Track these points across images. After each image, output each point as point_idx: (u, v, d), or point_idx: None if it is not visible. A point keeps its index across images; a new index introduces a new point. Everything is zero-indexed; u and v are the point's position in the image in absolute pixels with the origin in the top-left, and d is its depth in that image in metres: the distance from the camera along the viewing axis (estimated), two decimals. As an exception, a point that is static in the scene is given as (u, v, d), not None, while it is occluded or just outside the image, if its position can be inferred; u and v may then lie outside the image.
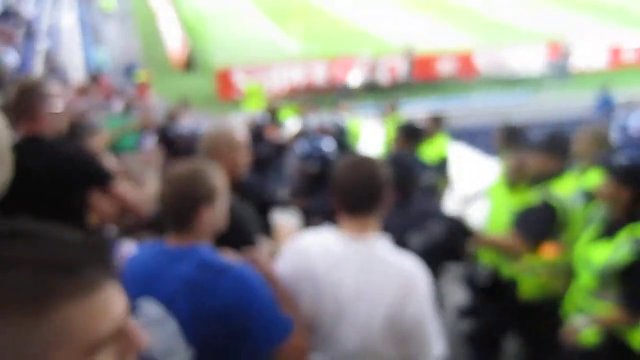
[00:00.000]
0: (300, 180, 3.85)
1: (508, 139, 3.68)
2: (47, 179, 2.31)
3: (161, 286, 1.61)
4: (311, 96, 14.31)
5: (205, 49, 18.80)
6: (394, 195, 2.13)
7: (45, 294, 0.62)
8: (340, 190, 1.75)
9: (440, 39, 19.42)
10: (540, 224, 2.68)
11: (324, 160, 4.01)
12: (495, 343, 3.22)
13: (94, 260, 0.67)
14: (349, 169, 1.75)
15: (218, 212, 1.72)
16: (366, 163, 1.76)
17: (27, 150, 2.35)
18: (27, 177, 2.31)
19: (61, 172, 2.33)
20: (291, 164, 4.61)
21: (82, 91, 8.94)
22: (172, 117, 6.58)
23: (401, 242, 2.43)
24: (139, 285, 1.65)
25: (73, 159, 2.38)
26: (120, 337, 0.68)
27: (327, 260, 1.71)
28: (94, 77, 13.17)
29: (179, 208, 1.66)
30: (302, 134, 6.15)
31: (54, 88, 2.41)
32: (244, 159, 2.30)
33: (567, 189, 2.80)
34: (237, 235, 1.99)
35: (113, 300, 0.67)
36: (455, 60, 16.73)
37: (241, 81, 15.10)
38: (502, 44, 18.06)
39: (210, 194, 1.68)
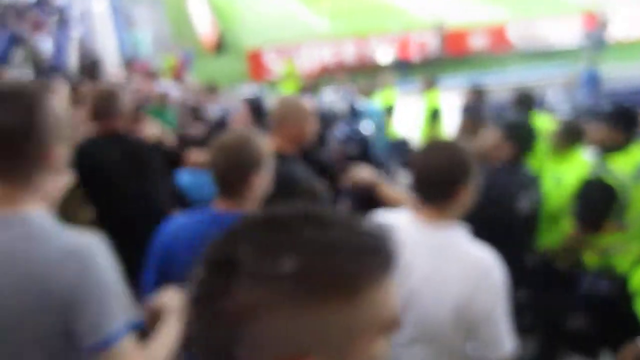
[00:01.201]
0: (340, 163, 3.90)
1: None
2: (129, 168, 2.52)
3: None
4: (342, 74, 14.27)
5: (235, 30, 18.84)
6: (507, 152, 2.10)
7: (359, 276, 0.64)
8: (415, 175, 1.70)
9: (471, 13, 19.04)
10: (597, 207, 2.64)
11: (363, 143, 4.04)
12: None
13: (386, 243, 0.69)
14: (428, 154, 1.70)
15: (265, 178, 1.78)
16: (447, 149, 1.69)
17: (106, 144, 2.56)
18: (110, 168, 2.53)
19: (140, 161, 2.55)
20: (330, 146, 4.69)
21: (151, 75, 9.18)
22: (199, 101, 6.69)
23: (511, 200, 2.47)
24: (192, 251, 1.69)
25: (148, 148, 2.59)
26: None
27: (399, 244, 1.66)
28: (129, 62, 13.38)
29: (229, 175, 1.73)
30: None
31: (124, 91, 2.66)
32: (311, 128, 2.42)
33: (629, 163, 2.73)
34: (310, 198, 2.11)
35: (394, 281, 0.69)
36: (487, 34, 16.42)
37: (272, 61, 15.13)
38: (535, 15, 17.63)
39: (258, 160, 1.74)
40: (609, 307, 2.68)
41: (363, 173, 2.47)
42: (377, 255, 0.67)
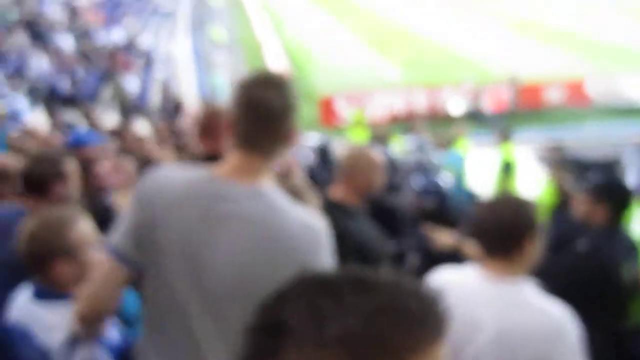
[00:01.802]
0: (415, 215, 3.85)
1: None
2: None
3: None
4: (419, 122, 14.28)
5: (308, 77, 19.37)
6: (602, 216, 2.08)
7: (403, 345, 0.63)
8: (479, 227, 1.71)
9: (547, 66, 18.73)
10: None
11: (440, 195, 3.98)
12: None
13: (436, 310, 0.67)
14: (493, 207, 1.70)
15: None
16: (512, 202, 1.69)
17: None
18: None
19: None
20: (405, 197, 4.65)
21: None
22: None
23: (614, 270, 2.37)
24: None
25: None
26: None
27: (466, 300, 1.62)
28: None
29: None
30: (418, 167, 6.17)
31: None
32: (379, 180, 2.44)
33: None
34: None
35: (444, 347, 0.68)
36: (564, 88, 16.05)
37: (343, 108, 15.37)
38: (616, 69, 17.12)
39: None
40: None
41: (444, 238, 2.45)
42: (424, 322, 0.66)
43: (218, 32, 25.51)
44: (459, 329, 1.59)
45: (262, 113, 1.44)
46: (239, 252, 1.37)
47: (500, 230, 1.64)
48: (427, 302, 0.68)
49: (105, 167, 3.31)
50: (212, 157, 2.65)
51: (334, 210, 2.30)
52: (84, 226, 1.81)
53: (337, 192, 2.42)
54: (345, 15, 30.20)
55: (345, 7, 32.97)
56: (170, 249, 1.40)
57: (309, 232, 1.41)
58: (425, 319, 0.66)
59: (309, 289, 0.68)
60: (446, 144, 7.27)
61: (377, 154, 2.47)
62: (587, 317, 2.37)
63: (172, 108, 9.02)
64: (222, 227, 1.39)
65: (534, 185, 6.21)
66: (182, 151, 4.65)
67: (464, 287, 1.66)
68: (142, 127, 9.39)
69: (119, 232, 1.46)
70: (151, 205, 1.43)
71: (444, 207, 3.68)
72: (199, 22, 28.39)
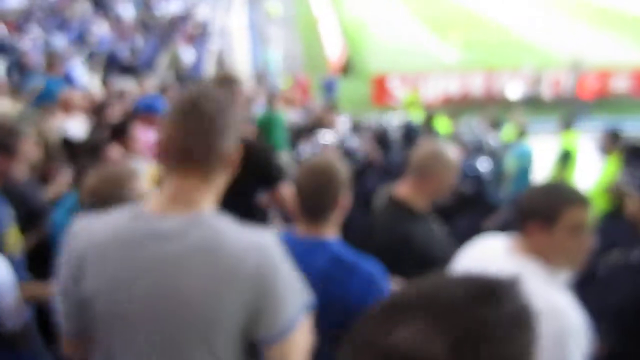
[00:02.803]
0: (451, 198, 3.72)
1: None
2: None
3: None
4: (467, 107, 13.93)
5: (363, 55, 19.13)
6: None
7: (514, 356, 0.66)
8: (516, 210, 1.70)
9: (613, 53, 17.85)
10: None
11: (479, 180, 3.83)
12: None
13: (530, 314, 0.70)
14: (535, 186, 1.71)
15: (346, 204, 1.78)
16: (539, 188, 1.70)
17: None
18: None
19: (245, 164, 2.56)
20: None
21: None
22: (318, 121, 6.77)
23: None
24: None
25: (260, 155, 2.60)
26: None
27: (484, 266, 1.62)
28: (259, 77, 14.02)
29: (317, 201, 1.73)
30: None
31: (247, 87, 2.70)
32: (452, 183, 2.22)
33: None
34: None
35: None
36: (630, 77, 15.28)
37: (396, 88, 15.12)
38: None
39: (345, 184, 1.75)
40: None
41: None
42: (527, 330, 0.68)
43: (274, 6, 25.45)
44: None
45: (198, 125, 1.26)
46: (174, 298, 1.21)
47: (518, 208, 1.67)
48: (524, 309, 0.70)
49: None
50: None
51: (397, 211, 2.18)
52: (142, 182, 1.88)
53: (405, 190, 2.20)
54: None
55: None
56: (99, 309, 1.25)
57: (256, 254, 1.23)
58: (528, 327, 0.70)
59: (414, 307, 0.69)
60: (495, 125, 7.02)
61: (453, 153, 2.25)
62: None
63: (225, 78, 9.12)
64: (152, 271, 1.21)
65: (593, 176, 5.94)
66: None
67: (491, 255, 1.69)
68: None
69: (63, 315, 1.33)
70: (79, 262, 1.27)
71: (481, 194, 3.52)
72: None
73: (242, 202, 2.57)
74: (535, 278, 1.54)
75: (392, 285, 1.74)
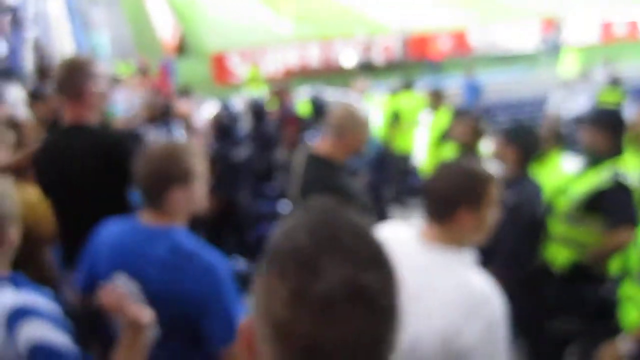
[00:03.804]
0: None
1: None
2: (91, 163, 2.32)
3: (135, 262, 1.66)
4: (307, 78, 14.27)
5: (198, 33, 18.59)
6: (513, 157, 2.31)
7: None
8: (424, 192, 1.66)
9: (434, 18, 19.32)
10: (631, 207, 2.60)
11: None
12: None
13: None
14: (438, 172, 1.65)
15: (194, 193, 1.71)
16: (457, 169, 1.63)
17: (72, 136, 2.36)
18: (73, 162, 2.33)
19: (104, 157, 2.34)
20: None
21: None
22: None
23: (539, 215, 2.46)
24: (114, 260, 1.70)
25: (115, 144, 2.38)
26: None
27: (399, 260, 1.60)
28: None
29: (151, 186, 1.68)
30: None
31: (99, 68, 2.42)
32: (366, 137, 2.41)
33: (629, 168, 2.72)
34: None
35: None
36: (449, 39, 16.69)
37: (236, 65, 14.98)
38: (495, 21, 18.04)
39: (184, 174, 1.68)
40: (603, 309, 2.71)
41: None
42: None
43: (94, -14, 23.64)
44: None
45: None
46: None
47: (438, 196, 1.61)
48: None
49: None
50: (78, 126, 2.35)
51: (321, 165, 2.35)
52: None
53: (324, 147, 2.38)
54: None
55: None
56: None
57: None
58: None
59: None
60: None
61: (364, 112, 2.43)
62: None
63: (47, 69, 8.26)
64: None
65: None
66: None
67: (401, 247, 1.60)
68: (15, 91, 8.57)
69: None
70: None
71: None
72: (72, -24, 26.15)
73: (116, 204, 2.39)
74: (461, 267, 1.57)
75: None
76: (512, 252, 2.55)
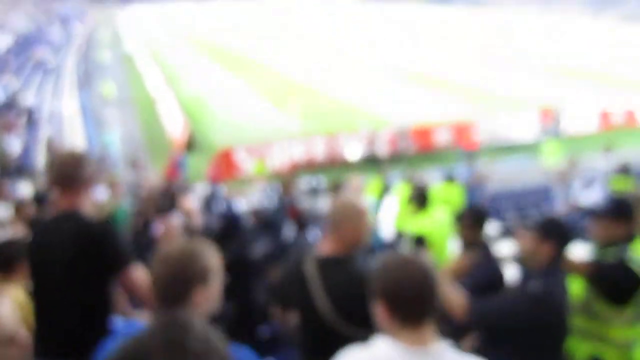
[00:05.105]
0: None
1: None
2: (72, 250, 2.34)
3: None
4: (312, 171, 14.49)
5: (206, 130, 19.15)
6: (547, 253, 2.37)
7: None
8: (393, 296, 1.58)
9: (437, 112, 19.89)
10: (620, 283, 2.59)
11: None
12: None
13: None
14: (400, 271, 1.60)
15: (212, 292, 1.70)
16: (414, 262, 1.61)
17: (61, 222, 2.42)
18: (56, 248, 2.33)
19: (85, 249, 2.35)
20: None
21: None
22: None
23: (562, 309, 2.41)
24: None
25: (99, 237, 2.38)
26: None
27: None
28: (98, 163, 13.30)
29: (172, 288, 1.63)
30: None
31: (93, 163, 2.50)
32: (368, 229, 2.36)
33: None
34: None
35: None
36: (453, 131, 17.06)
37: (243, 160, 15.27)
38: (498, 113, 18.55)
39: (203, 273, 1.66)
40: None
41: None
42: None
43: (108, 87, 24.73)
44: None
45: None
46: None
47: (416, 293, 1.55)
48: None
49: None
50: (68, 214, 2.41)
51: (329, 266, 2.25)
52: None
53: (327, 246, 2.31)
54: (242, 71, 30.52)
55: (242, 62, 33.39)
56: None
57: None
58: None
59: None
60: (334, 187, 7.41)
61: (362, 203, 2.39)
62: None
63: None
64: None
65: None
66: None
67: None
68: (25, 189, 8.71)
69: None
70: None
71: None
72: (86, 78, 27.41)
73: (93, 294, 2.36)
74: (457, 357, 1.56)
75: None
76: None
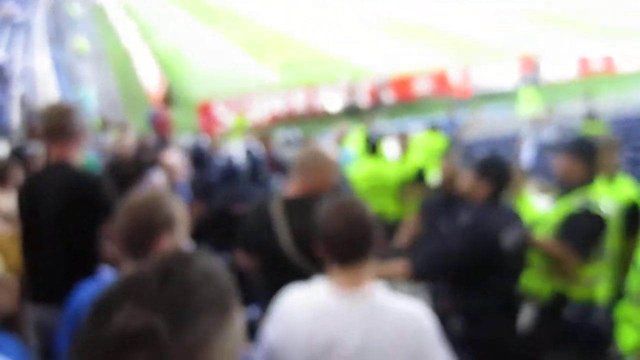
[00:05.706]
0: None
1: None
2: (62, 199, 2.41)
3: None
4: (293, 123, 14.42)
5: (183, 83, 18.83)
6: (484, 191, 2.36)
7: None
8: (328, 238, 1.62)
9: (415, 60, 19.75)
10: (589, 236, 2.64)
11: None
12: None
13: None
14: (336, 214, 1.63)
15: (177, 240, 1.70)
16: (352, 205, 1.64)
17: (52, 173, 2.48)
18: (47, 197, 2.37)
19: (75, 198, 2.42)
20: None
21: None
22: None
23: (496, 238, 2.45)
24: None
25: (89, 188, 2.45)
26: None
27: (321, 322, 1.56)
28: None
29: (137, 237, 1.64)
30: None
31: (84, 117, 2.52)
32: (335, 177, 2.37)
33: (599, 196, 2.75)
34: None
35: None
36: (431, 80, 17.00)
37: (222, 114, 15.11)
38: (475, 62, 18.46)
39: (168, 221, 1.66)
40: (597, 337, 2.70)
41: None
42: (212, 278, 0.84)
43: (81, 42, 24.03)
44: (317, 354, 1.54)
45: None
46: None
47: (350, 236, 1.59)
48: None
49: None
50: (59, 164, 2.46)
51: (294, 206, 2.26)
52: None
53: (293, 188, 2.34)
54: (219, 22, 29.79)
55: (219, 14, 32.54)
56: None
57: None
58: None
59: None
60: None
61: (331, 152, 2.40)
62: (481, 285, 2.49)
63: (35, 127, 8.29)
64: None
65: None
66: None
67: (315, 307, 1.59)
68: (1, 148, 8.56)
69: None
70: None
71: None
72: (57, 32, 26.58)
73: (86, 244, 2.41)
74: (389, 299, 1.61)
75: None
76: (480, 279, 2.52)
